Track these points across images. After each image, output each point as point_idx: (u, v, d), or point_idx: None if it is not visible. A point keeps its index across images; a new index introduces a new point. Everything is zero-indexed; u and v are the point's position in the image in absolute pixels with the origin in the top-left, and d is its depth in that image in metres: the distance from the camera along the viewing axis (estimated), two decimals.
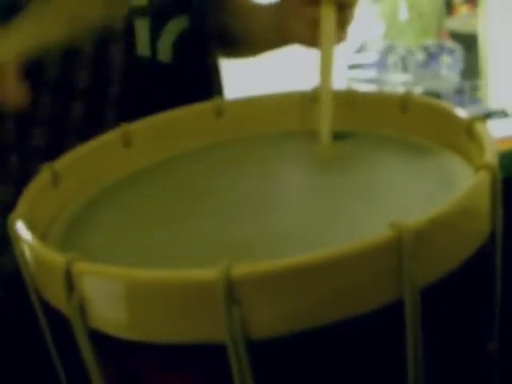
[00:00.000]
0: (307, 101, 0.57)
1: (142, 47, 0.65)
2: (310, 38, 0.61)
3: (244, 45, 0.80)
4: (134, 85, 0.64)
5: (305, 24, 0.63)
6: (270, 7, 0.73)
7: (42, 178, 0.48)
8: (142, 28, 0.64)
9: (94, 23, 0.54)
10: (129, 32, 0.64)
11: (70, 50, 0.61)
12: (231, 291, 0.32)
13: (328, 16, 0.59)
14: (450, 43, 2.70)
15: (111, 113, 0.63)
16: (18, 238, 0.40)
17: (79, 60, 0.62)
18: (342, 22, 0.62)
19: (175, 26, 0.67)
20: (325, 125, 0.53)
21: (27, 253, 0.39)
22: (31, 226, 0.41)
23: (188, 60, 0.66)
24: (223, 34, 0.77)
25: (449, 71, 2.67)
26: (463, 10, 2.66)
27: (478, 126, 0.44)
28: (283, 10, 0.68)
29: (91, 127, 0.61)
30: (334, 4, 0.60)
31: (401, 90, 2.56)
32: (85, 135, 0.54)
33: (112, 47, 0.63)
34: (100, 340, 0.36)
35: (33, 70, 0.59)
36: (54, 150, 0.51)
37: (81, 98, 0.62)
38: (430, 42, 2.72)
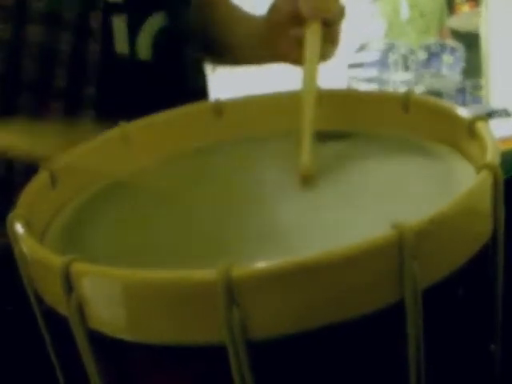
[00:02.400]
0: None
1: (120, 44, 0.64)
2: (298, 57, 0.60)
3: (232, 56, 0.79)
4: (113, 83, 0.63)
5: (291, 42, 0.63)
6: (258, 22, 0.72)
7: (41, 178, 0.48)
8: (119, 25, 0.63)
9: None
10: (106, 29, 0.63)
11: (47, 49, 0.60)
12: (231, 292, 0.32)
13: (313, 34, 0.59)
14: (451, 42, 2.70)
15: (89, 112, 0.62)
16: (17, 238, 0.40)
17: (56, 59, 0.61)
18: (330, 39, 0.62)
19: (154, 23, 0.66)
20: (306, 143, 0.51)
21: (25, 254, 0.39)
22: (30, 227, 0.41)
23: (168, 58, 0.65)
24: (211, 44, 0.76)
25: (450, 70, 2.67)
26: (465, 8, 2.67)
27: (480, 126, 0.44)
28: (271, 27, 0.68)
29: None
30: (320, 22, 0.59)
31: (402, 89, 2.56)
32: None
33: (89, 45, 0.62)
34: (99, 341, 0.36)
35: (9, 71, 0.59)
36: None
37: (58, 97, 0.61)
38: (432, 40, 2.73)
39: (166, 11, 0.67)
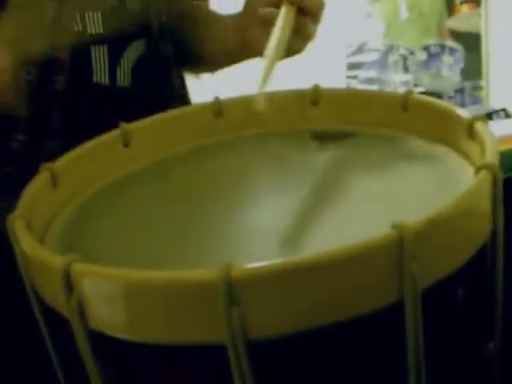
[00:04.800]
0: (306, 100, 0.57)
1: (100, 75, 0.64)
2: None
3: (206, 62, 0.79)
4: (93, 112, 0.63)
5: (265, 30, 0.63)
6: (231, 18, 0.72)
7: (41, 178, 0.48)
8: (100, 56, 0.64)
9: (38, 50, 0.53)
10: (84, 61, 0.63)
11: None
12: (230, 292, 0.32)
13: (285, 15, 0.58)
14: (450, 43, 2.70)
15: (53, 142, 0.62)
16: (17, 239, 0.40)
17: (20, 90, 0.61)
18: (302, 33, 0.61)
19: (134, 52, 0.66)
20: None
21: (26, 254, 0.39)
22: (30, 227, 0.41)
23: (147, 84, 0.66)
24: (186, 54, 0.76)
25: (450, 71, 2.67)
26: (464, 9, 2.67)
27: (479, 126, 0.44)
28: (245, 15, 0.67)
29: (33, 156, 0.61)
30: (294, 9, 0.59)
31: (401, 89, 2.55)
32: (27, 164, 0.53)
33: (56, 76, 0.62)
34: (100, 341, 0.36)
35: None
36: None
37: (22, 127, 0.61)
38: (431, 41, 2.73)
39: (146, 39, 0.67)
